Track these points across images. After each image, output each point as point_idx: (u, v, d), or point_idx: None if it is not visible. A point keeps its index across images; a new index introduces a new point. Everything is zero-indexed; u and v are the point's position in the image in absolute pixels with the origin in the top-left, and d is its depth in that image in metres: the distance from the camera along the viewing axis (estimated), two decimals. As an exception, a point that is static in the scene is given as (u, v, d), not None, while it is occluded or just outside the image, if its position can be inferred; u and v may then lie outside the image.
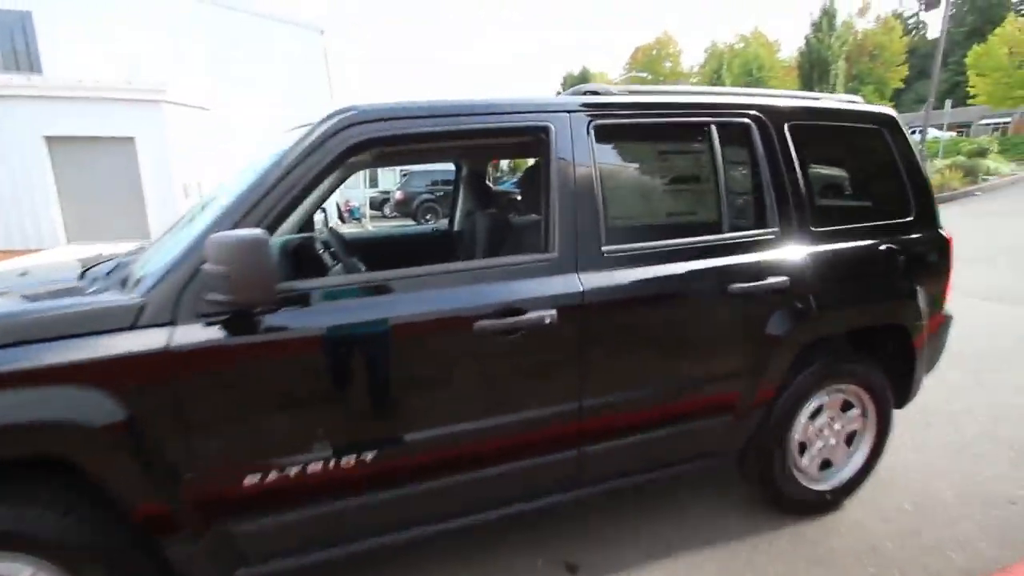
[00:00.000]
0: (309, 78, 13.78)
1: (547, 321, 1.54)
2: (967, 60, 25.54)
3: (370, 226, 14.81)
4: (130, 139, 10.33)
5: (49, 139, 10.04)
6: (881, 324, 2.11)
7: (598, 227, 1.66)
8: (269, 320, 1.36)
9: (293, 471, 1.41)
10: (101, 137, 10.24)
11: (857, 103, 2.28)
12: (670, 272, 1.74)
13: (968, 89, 25.94)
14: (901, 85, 35.08)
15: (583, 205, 1.65)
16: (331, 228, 2.25)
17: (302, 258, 2.14)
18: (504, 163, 18.36)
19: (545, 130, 1.65)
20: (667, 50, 41.43)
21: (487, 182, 3.29)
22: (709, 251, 1.81)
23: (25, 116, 9.78)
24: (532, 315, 1.54)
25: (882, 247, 2.08)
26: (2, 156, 9.82)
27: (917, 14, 40.15)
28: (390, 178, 18.23)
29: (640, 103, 1.82)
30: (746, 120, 1.92)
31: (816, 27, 24.45)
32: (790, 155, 1.96)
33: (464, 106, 1.61)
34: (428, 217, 15.44)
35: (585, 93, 1.82)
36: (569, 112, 1.69)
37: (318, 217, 2.97)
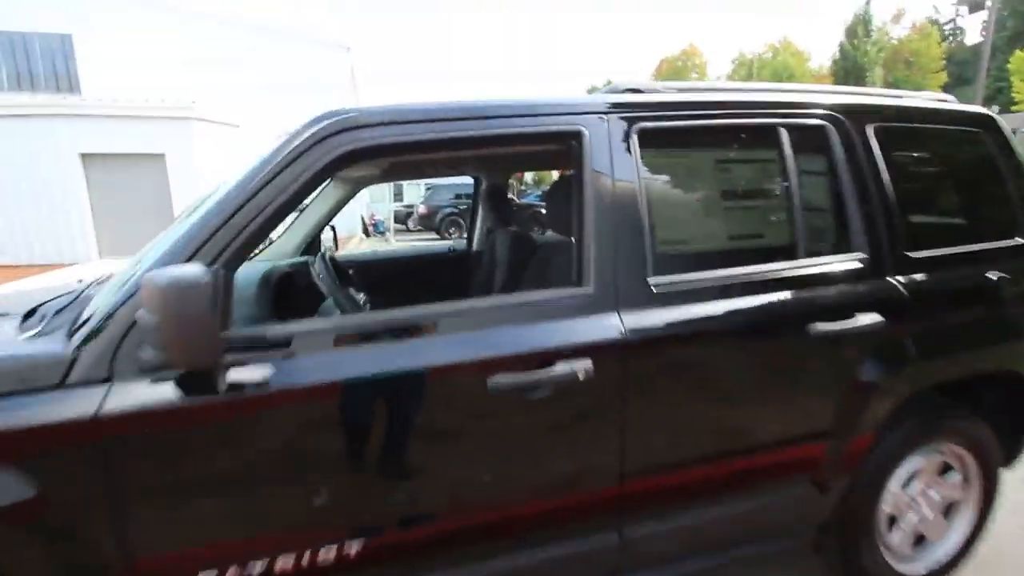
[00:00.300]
0: (336, 97, 13.85)
1: (580, 376, 1.22)
2: (1010, 66, 24.42)
3: (394, 240, 14.73)
4: (160, 155, 10.49)
5: (84, 156, 10.26)
6: (996, 371, 1.72)
7: (643, 254, 1.34)
8: (233, 376, 1.08)
9: (258, 567, 1.12)
10: (133, 154, 10.42)
11: (950, 101, 1.92)
12: (733, 309, 1.41)
13: (1012, 95, 24.73)
14: (940, 92, 33.77)
15: (624, 227, 1.33)
16: (323, 254, 1.96)
17: (294, 289, 1.87)
18: (528, 175, 18.14)
19: (576, 136, 1.35)
20: (693, 60, 40.99)
21: (510, 196, 3.00)
22: (782, 283, 1.46)
23: (63, 134, 10.03)
24: (561, 367, 1.22)
25: (991, 275, 1.70)
26: (41, 173, 10.07)
27: (954, 20, 38.68)
28: (415, 192, 18.22)
29: (692, 102, 1.50)
30: (821, 121, 1.59)
31: (851, 33, 23.74)
32: (876, 163, 1.61)
33: (477, 108, 1.32)
34: (452, 231, 15.30)
35: (625, 91, 1.51)
36: (606, 114, 1.38)
37: (327, 235, 2.73)
